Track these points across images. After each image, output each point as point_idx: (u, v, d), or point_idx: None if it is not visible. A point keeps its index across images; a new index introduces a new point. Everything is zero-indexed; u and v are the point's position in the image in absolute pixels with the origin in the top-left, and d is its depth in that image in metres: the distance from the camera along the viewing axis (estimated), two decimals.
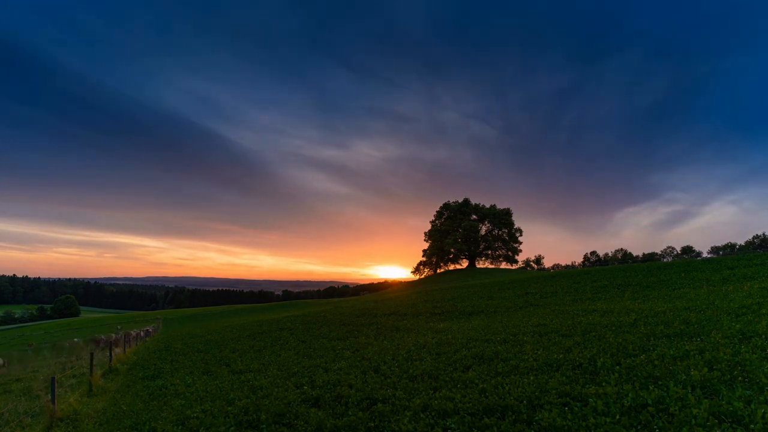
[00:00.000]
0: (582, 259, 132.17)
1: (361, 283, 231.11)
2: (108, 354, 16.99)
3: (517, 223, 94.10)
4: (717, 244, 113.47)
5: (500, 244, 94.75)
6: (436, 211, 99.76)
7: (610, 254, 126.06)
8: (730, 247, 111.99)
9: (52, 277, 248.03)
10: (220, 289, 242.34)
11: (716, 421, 4.66)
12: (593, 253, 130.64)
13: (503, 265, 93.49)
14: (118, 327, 54.20)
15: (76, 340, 41.16)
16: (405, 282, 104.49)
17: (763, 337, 7.65)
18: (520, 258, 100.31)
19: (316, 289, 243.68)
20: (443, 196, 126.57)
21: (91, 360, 12.91)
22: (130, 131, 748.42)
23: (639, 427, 4.84)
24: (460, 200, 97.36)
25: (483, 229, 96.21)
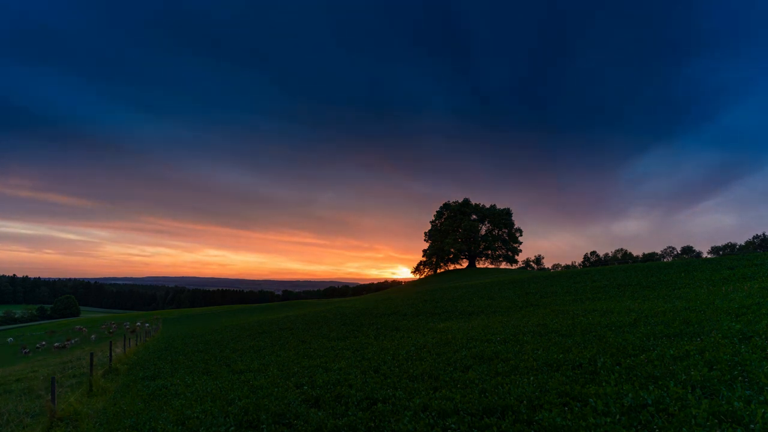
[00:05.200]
0: (582, 259, 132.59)
1: (362, 283, 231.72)
2: (108, 354, 16.99)
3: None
4: (717, 244, 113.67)
5: (500, 244, 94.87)
6: (436, 211, 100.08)
7: (610, 254, 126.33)
8: (730, 247, 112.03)
9: (52, 277, 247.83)
10: (220, 289, 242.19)
11: (716, 421, 4.66)
12: (593, 253, 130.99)
13: (503, 265, 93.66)
14: (113, 324, 54.31)
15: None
16: (405, 282, 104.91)
17: (763, 337, 7.65)
18: (520, 258, 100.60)
19: (316, 289, 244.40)
20: None
21: (91, 360, 12.92)
22: None
23: (639, 427, 4.84)
24: (460, 200, 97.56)
25: (483, 229, 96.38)
